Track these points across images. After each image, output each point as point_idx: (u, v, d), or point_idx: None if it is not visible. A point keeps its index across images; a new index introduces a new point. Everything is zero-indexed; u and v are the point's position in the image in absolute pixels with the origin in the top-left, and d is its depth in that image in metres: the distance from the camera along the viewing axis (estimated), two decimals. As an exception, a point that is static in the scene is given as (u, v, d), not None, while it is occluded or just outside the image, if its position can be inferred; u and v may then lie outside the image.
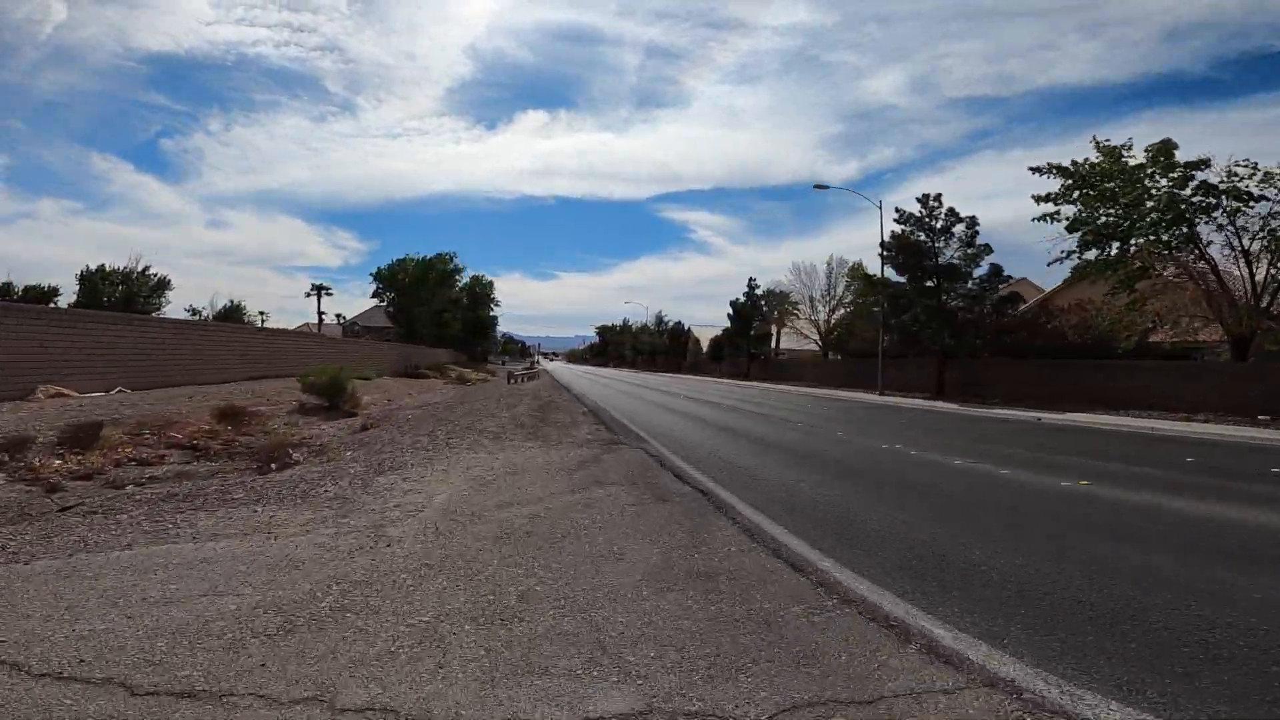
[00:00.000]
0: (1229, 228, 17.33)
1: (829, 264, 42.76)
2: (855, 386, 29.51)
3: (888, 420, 14.62)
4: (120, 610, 3.11)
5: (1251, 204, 16.77)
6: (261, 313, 54.50)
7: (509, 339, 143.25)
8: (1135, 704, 2.30)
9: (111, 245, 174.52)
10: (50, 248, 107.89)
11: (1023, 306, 24.99)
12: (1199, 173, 17.31)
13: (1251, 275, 17.26)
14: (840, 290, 42.05)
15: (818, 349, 42.97)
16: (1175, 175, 17.61)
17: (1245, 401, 15.44)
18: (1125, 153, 18.58)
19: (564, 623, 2.94)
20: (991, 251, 23.69)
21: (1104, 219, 18.79)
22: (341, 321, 69.01)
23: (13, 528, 4.72)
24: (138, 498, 6.42)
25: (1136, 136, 18.74)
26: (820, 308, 43.14)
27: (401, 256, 55.96)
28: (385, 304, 58.77)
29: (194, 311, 45.81)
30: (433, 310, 54.30)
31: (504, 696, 2.32)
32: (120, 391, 16.00)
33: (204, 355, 20.88)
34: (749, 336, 45.33)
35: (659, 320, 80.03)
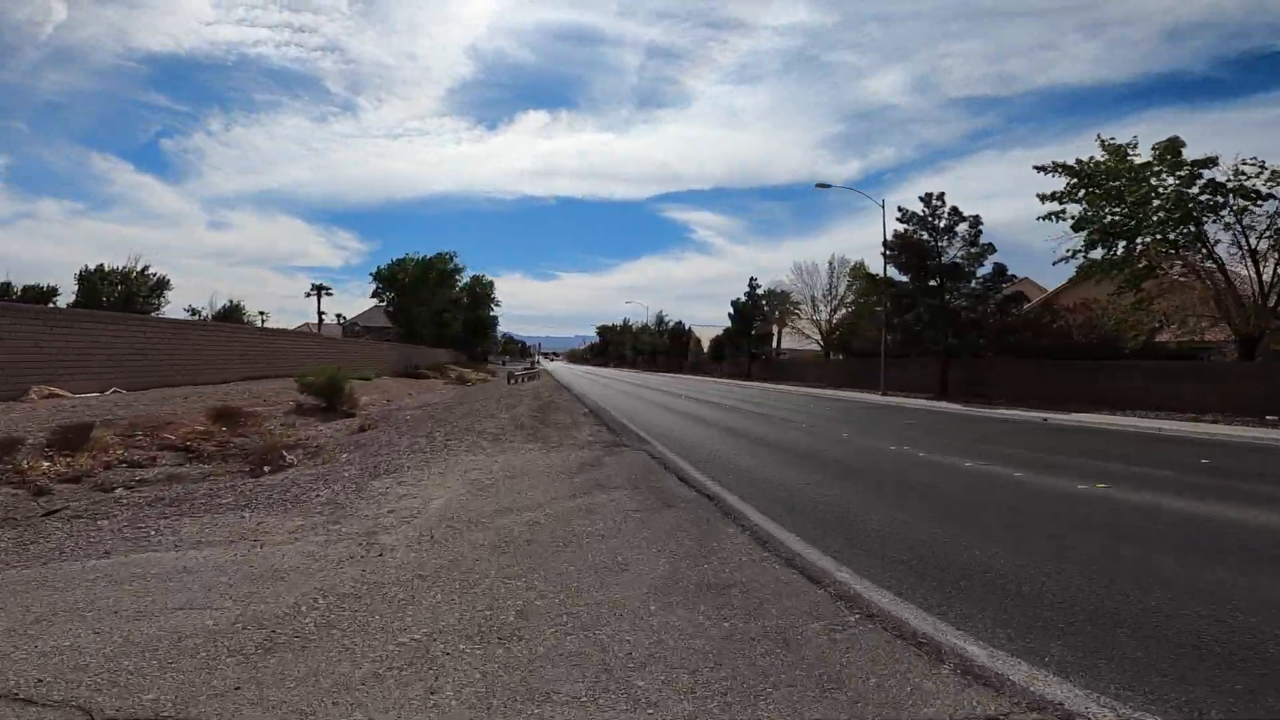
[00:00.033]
0: (1236, 227, 17.17)
1: (831, 263, 42.63)
2: (857, 387, 29.30)
3: (892, 421, 14.41)
4: (88, 624, 2.90)
5: (1259, 203, 16.61)
6: (261, 313, 54.34)
7: (509, 339, 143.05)
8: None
9: (112, 246, 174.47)
10: (51, 248, 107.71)
11: (1025, 306, 24.80)
12: (1206, 171, 17.16)
13: (1259, 274, 17.10)
14: (842, 290, 41.89)
15: (819, 349, 42.78)
16: (1183, 174, 17.44)
17: (1246, 401, 15.31)
18: (1131, 151, 18.41)
19: (566, 642, 2.73)
20: (995, 251, 23.56)
21: (1110, 218, 18.60)
22: (342, 321, 68.79)
23: (-11, 534, 4.51)
24: (125, 501, 6.22)
25: (1137, 136, 18.62)
26: (822, 307, 42.99)
27: (401, 256, 55.81)
28: (385, 304, 58.55)
29: (193, 311, 45.62)
30: (433, 310, 54.07)
31: (501, 727, 2.11)
32: (115, 392, 15.80)
33: (202, 355, 20.67)
34: (750, 336, 45.13)
35: (660, 320, 79.86)
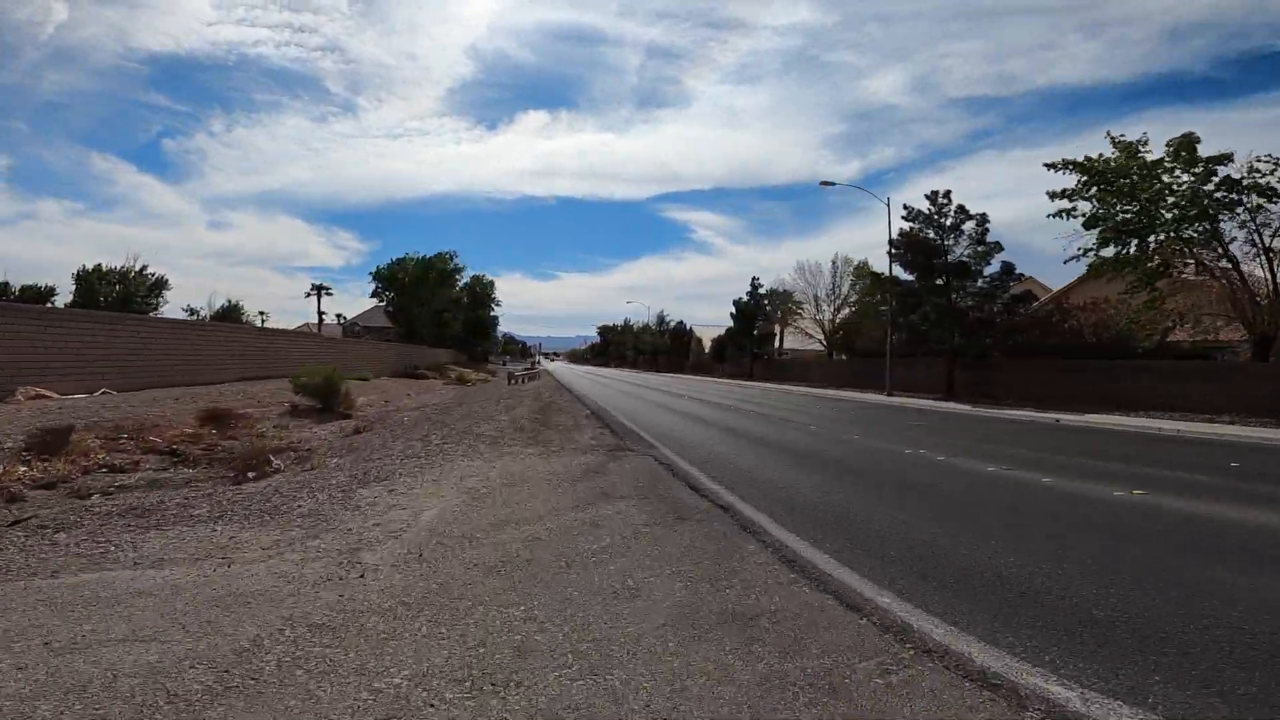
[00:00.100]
0: (1251, 224, 16.82)
1: (834, 263, 42.21)
2: (861, 387, 28.89)
3: (903, 422, 13.97)
4: (13, 658, 2.49)
5: (1274, 200, 16.27)
6: (261, 313, 54.00)
7: (510, 339, 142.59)
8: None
9: (113, 246, 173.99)
10: (51, 248, 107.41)
11: (1033, 305, 24.40)
12: (1221, 168, 16.81)
13: (1273, 273, 16.75)
14: (845, 289, 41.48)
15: (822, 349, 42.36)
16: (1197, 170, 17.08)
17: (1255, 401, 14.98)
18: (1142, 148, 18.06)
19: (573, 690, 2.30)
20: (1002, 249, 23.14)
21: (1122, 215, 18.23)
22: (342, 322, 68.38)
23: (-66, 550, 4.09)
24: (98, 510, 5.82)
25: (1147, 133, 18.30)
26: (825, 307, 42.56)
27: (401, 256, 55.39)
28: (385, 304, 58.14)
29: (191, 311, 45.25)
30: (433, 310, 53.65)
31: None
32: (105, 393, 15.39)
33: (200, 356, 20.30)
34: (752, 336, 44.67)
35: (660, 320, 79.37)
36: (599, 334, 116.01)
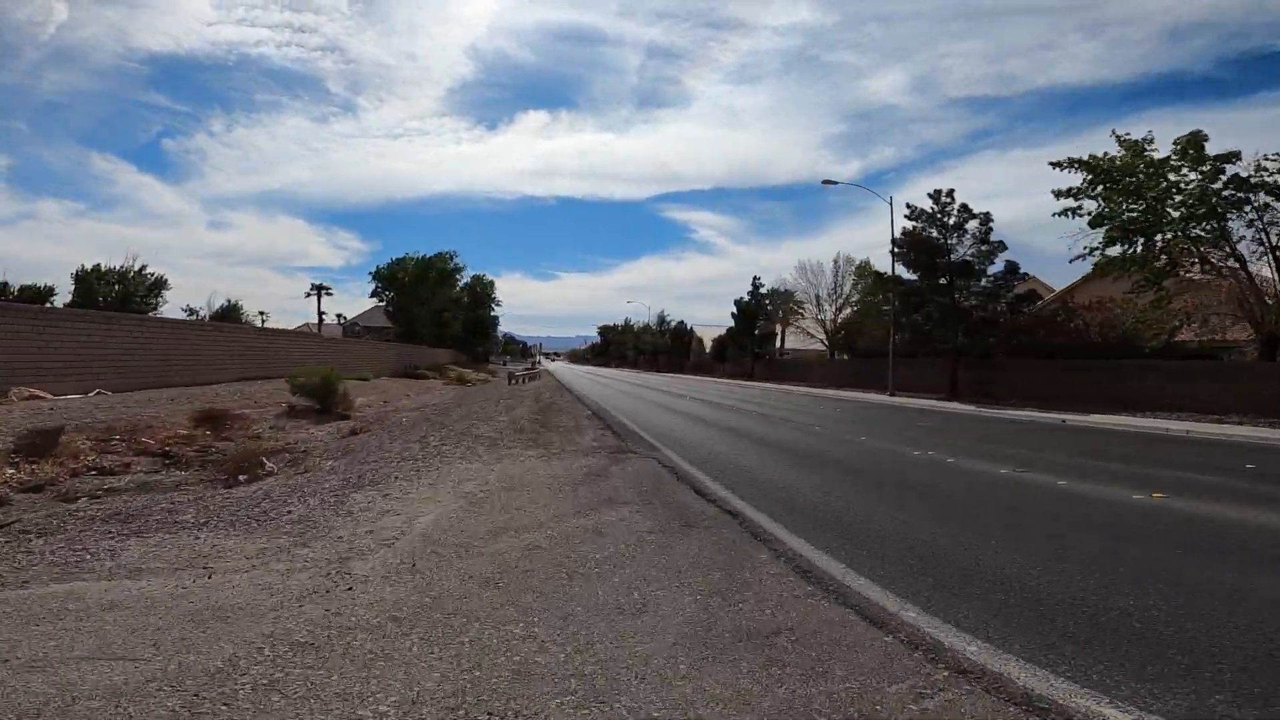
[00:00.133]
0: (1259, 223, 16.64)
1: (836, 262, 41.99)
2: (863, 386, 28.70)
3: (908, 423, 13.76)
4: (-32, 683, 2.28)
5: (1281, 199, 16.09)
6: (262, 313, 53.74)
7: (510, 339, 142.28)
8: None
9: (113, 246, 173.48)
10: (51, 248, 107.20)
11: (1037, 304, 24.22)
12: (1229, 166, 16.63)
13: (1280, 272, 16.56)
14: (847, 289, 41.27)
15: (824, 348, 42.16)
16: (1205, 169, 16.89)
17: (1261, 401, 14.81)
18: (1148, 146, 17.87)
19: (576, 720, 2.10)
20: (1006, 249, 22.97)
21: (1128, 214, 18.04)
22: (342, 322, 68.21)
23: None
24: (82, 514, 5.61)
25: (1152, 131, 18.15)
26: (826, 307, 42.35)
27: (401, 256, 55.18)
28: (385, 304, 57.94)
29: (191, 311, 45.00)
30: (433, 310, 53.45)
31: None
32: (99, 394, 15.19)
33: (197, 356, 20.11)
34: (753, 336, 44.45)
35: (661, 320, 79.17)
36: (599, 334, 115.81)
